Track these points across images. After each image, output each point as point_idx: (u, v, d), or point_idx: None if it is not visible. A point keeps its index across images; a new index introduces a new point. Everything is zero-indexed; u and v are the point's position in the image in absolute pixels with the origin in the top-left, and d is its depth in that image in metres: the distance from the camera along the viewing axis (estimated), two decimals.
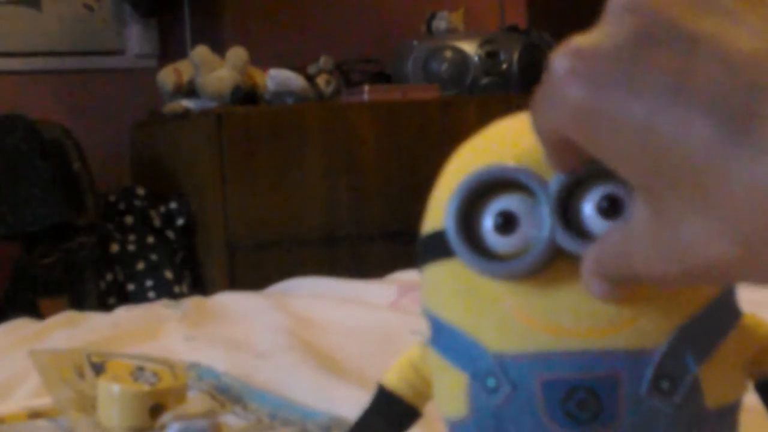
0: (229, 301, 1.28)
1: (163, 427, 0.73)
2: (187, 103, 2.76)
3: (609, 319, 0.41)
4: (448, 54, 2.98)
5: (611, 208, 0.41)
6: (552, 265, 0.42)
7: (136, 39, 3.17)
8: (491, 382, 0.43)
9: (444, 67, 2.97)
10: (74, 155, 2.62)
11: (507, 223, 0.42)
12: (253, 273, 2.53)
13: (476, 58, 2.95)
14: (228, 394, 0.83)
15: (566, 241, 0.41)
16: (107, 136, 3.11)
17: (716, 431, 0.44)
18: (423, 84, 2.92)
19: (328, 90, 2.85)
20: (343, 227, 2.73)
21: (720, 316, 0.43)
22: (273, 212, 2.66)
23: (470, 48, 2.96)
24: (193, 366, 0.91)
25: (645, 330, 0.41)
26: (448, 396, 0.46)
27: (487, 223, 0.43)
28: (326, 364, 0.96)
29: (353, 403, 0.80)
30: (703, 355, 0.42)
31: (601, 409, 0.41)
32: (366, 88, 2.83)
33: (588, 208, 0.41)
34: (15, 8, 3.03)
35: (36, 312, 2.26)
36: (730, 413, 0.44)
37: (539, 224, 0.42)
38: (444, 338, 0.46)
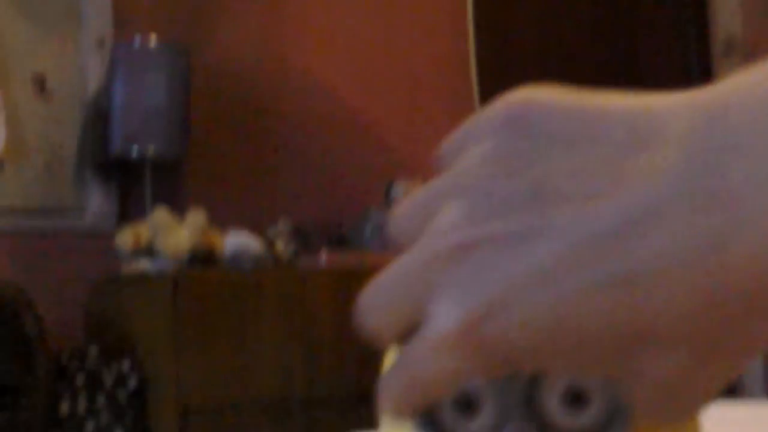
0: None
1: None
2: (144, 265, 2.77)
3: None
4: None
5: (576, 400, 0.40)
6: None
7: (96, 200, 3.19)
8: None
9: None
10: (27, 316, 2.60)
11: (469, 405, 0.41)
12: None
13: None
14: None
15: None
16: (63, 297, 3.09)
17: None
18: (381, 250, 2.95)
19: (286, 253, 2.87)
20: (297, 393, 2.71)
21: None
22: (226, 375, 2.63)
23: None
24: None
25: None
26: None
27: (448, 402, 0.41)
28: None
29: None
30: None
31: None
32: (323, 253, 2.86)
33: (553, 401, 0.40)
34: None
35: None
36: None
37: (504, 413, 0.40)
38: None
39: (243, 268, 2.76)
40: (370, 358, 2.77)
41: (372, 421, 2.22)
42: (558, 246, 0.32)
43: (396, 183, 3.19)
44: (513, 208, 0.33)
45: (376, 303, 0.36)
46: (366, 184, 3.41)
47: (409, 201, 0.37)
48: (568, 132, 0.33)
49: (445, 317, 0.34)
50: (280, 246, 2.87)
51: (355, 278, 2.80)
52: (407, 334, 0.36)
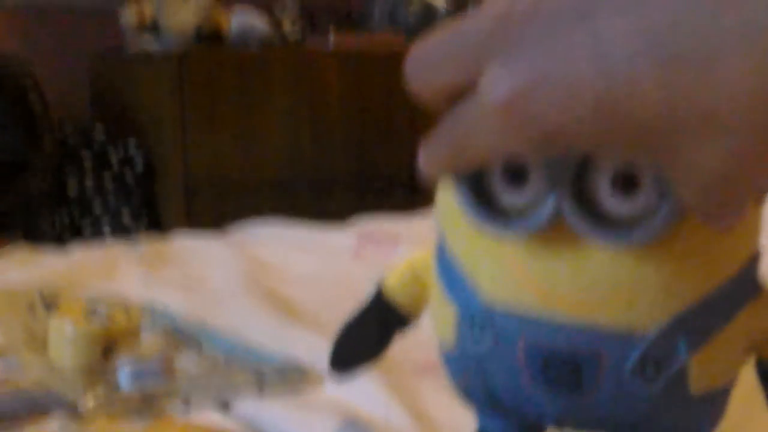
0: (188, 243, 1.26)
1: (115, 367, 0.72)
2: (149, 43, 2.72)
3: (604, 296, 0.40)
4: (416, 2, 2.95)
5: (626, 184, 0.39)
6: (557, 227, 0.40)
7: None
8: (477, 328, 0.43)
9: (411, 15, 2.95)
10: (32, 91, 2.58)
11: (516, 176, 0.40)
12: (213, 217, 2.52)
13: (443, 9, 2.93)
14: (183, 336, 0.82)
15: (577, 223, 0.39)
16: (67, 74, 3.06)
17: (698, 414, 0.43)
18: (389, 31, 2.89)
19: (293, 32, 2.81)
20: (306, 173, 2.71)
21: (726, 303, 0.41)
22: (235, 156, 2.63)
23: None
24: (148, 307, 0.90)
25: (638, 313, 0.40)
26: (440, 322, 0.46)
27: (497, 170, 0.41)
28: (283, 308, 0.95)
29: (309, 348, 0.80)
30: (698, 344, 0.40)
31: (580, 382, 0.41)
32: (331, 34, 2.80)
33: (602, 183, 0.39)
34: None
35: None
36: (717, 397, 0.43)
37: (551, 188, 0.40)
38: (445, 264, 0.45)
39: (250, 46, 2.72)
40: (378, 138, 2.76)
41: (377, 203, 2.23)
42: (620, 20, 0.30)
43: None
44: None
45: (430, 60, 0.35)
46: None
47: None
48: None
49: (494, 86, 0.32)
50: (287, 23, 2.80)
51: (364, 59, 2.75)
52: (456, 96, 0.35)
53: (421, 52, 0.36)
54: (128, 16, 2.77)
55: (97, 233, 2.60)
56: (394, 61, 2.74)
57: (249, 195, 2.65)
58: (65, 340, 0.75)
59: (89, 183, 2.65)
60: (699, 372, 0.41)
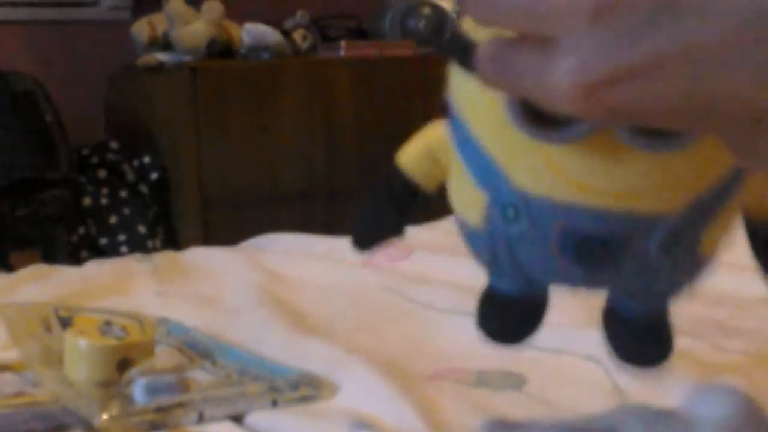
0: (202, 257, 1.27)
1: (130, 381, 0.73)
2: (161, 57, 2.73)
3: (636, 188, 0.43)
4: (426, 11, 2.96)
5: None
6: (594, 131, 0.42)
7: None
8: (510, 213, 0.45)
9: (422, 24, 2.95)
10: (46, 107, 2.59)
11: None
12: (228, 229, 2.52)
13: (454, 16, 2.94)
14: (197, 349, 0.83)
15: (622, 132, 0.41)
16: (80, 89, 3.08)
17: (703, 270, 0.47)
18: (400, 40, 2.90)
19: (304, 45, 2.82)
20: (319, 183, 2.72)
21: (732, 183, 0.45)
22: (248, 168, 2.64)
23: (448, 5, 2.94)
24: (163, 321, 0.90)
25: (666, 199, 0.43)
26: (464, 203, 0.47)
27: None
28: (297, 320, 0.95)
29: (323, 360, 0.80)
30: (713, 218, 0.45)
31: (609, 258, 0.44)
32: (343, 43, 2.81)
33: None
34: None
35: (6, 265, 2.24)
36: (718, 252, 0.47)
37: None
38: (470, 150, 0.46)
39: (262, 58, 2.72)
40: (391, 149, 2.76)
41: None
42: (713, 25, 0.31)
43: None
44: None
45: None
46: None
47: None
48: None
49: (578, 69, 0.32)
50: (298, 38, 2.81)
51: (376, 69, 2.76)
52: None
53: None
54: (140, 30, 2.78)
55: (113, 248, 2.61)
56: (406, 66, 2.75)
57: (264, 206, 2.65)
58: (80, 355, 0.75)
59: (104, 198, 2.66)
60: (708, 239, 0.46)
